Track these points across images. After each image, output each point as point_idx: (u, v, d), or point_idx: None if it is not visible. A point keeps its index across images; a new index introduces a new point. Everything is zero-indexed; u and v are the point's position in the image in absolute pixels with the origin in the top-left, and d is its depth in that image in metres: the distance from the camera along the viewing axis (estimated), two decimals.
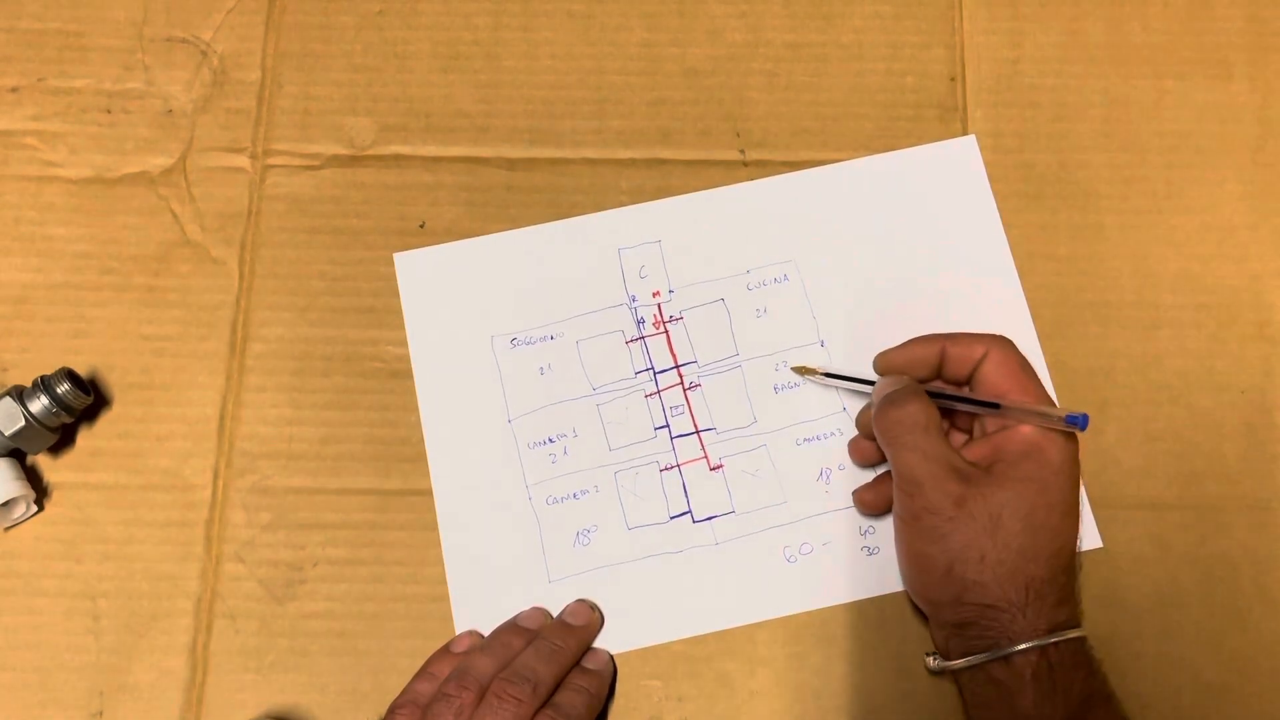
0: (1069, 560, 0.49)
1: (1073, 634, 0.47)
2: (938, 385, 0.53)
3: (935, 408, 0.50)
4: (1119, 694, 0.48)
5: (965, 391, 0.52)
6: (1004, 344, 0.51)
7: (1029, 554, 0.47)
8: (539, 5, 0.62)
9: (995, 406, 0.50)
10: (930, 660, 0.51)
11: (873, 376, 0.54)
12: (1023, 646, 0.46)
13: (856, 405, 0.56)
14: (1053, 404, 0.51)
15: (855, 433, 0.56)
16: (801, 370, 0.56)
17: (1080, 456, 0.54)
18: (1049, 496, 0.48)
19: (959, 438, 0.53)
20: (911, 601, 0.53)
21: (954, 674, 0.50)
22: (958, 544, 0.48)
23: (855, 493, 0.54)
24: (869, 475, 0.55)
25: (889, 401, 0.51)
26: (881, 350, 0.54)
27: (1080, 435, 0.55)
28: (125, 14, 0.62)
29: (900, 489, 0.50)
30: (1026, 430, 0.49)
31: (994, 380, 0.51)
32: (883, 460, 0.54)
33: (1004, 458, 0.49)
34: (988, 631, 0.47)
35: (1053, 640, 0.46)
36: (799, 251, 0.58)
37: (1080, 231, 0.58)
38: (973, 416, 0.52)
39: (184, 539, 0.55)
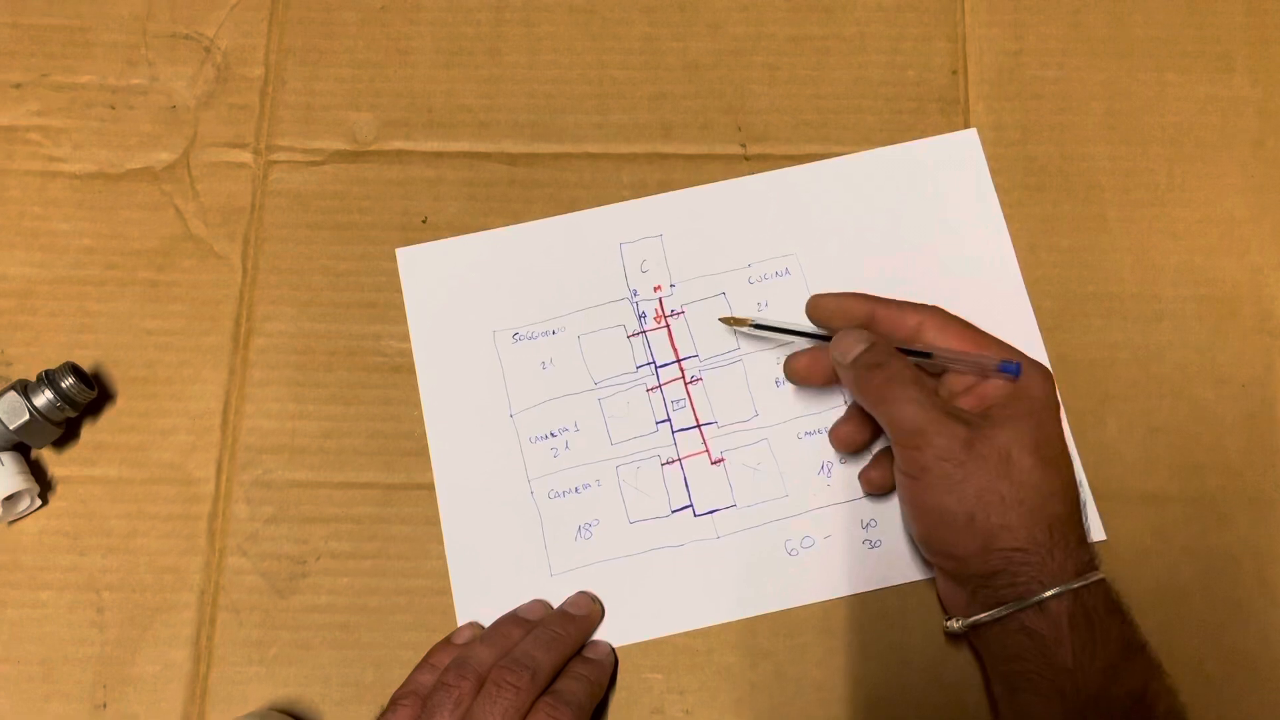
0: (1077, 494, 0.48)
1: (1096, 576, 0.46)
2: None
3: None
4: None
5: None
6: (940, 311, 0.51)
7: (1045, 490, 0.47)
8: (540, 0, 0.62)
9: (927, 356, 0.50)
10: (953, 623, 0.50)
11: (805, 327, 0.54)
12: (1056, 590, 0.45)
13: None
14: (1012, 350, 0.51)
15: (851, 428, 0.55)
16: (730, 321, 0.56)
17: (1081, 449, 0.55)
18: (1046, 430, 0.48)
19: None
20: (909, 585, 0.53)
21: (977, 634, 0.49)
22: (974, 489, 0.47)
23: (862, 474, 0.54)
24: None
25: (869, 364, 0.50)
26: (815, 294, 0.54)
27: (1082, 428, 0.55)
28: (129, 10, 0.62)
29: (903, 445, 0.49)
30: (1002, 378, 0.49)
31: (943, 345, 0.51)
32: (869, 443, 0.54)
33: (993, 402, 0.49)
34: (1018, 578, 0.46)
35: (1084, 583, 0.46)
36: (800, 245, 0.58)
37: (1082, 224, 0.58)
38: (936, 383, 0.52)
39: (187, 532, 0.55)
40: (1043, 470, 0.47)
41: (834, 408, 0.56)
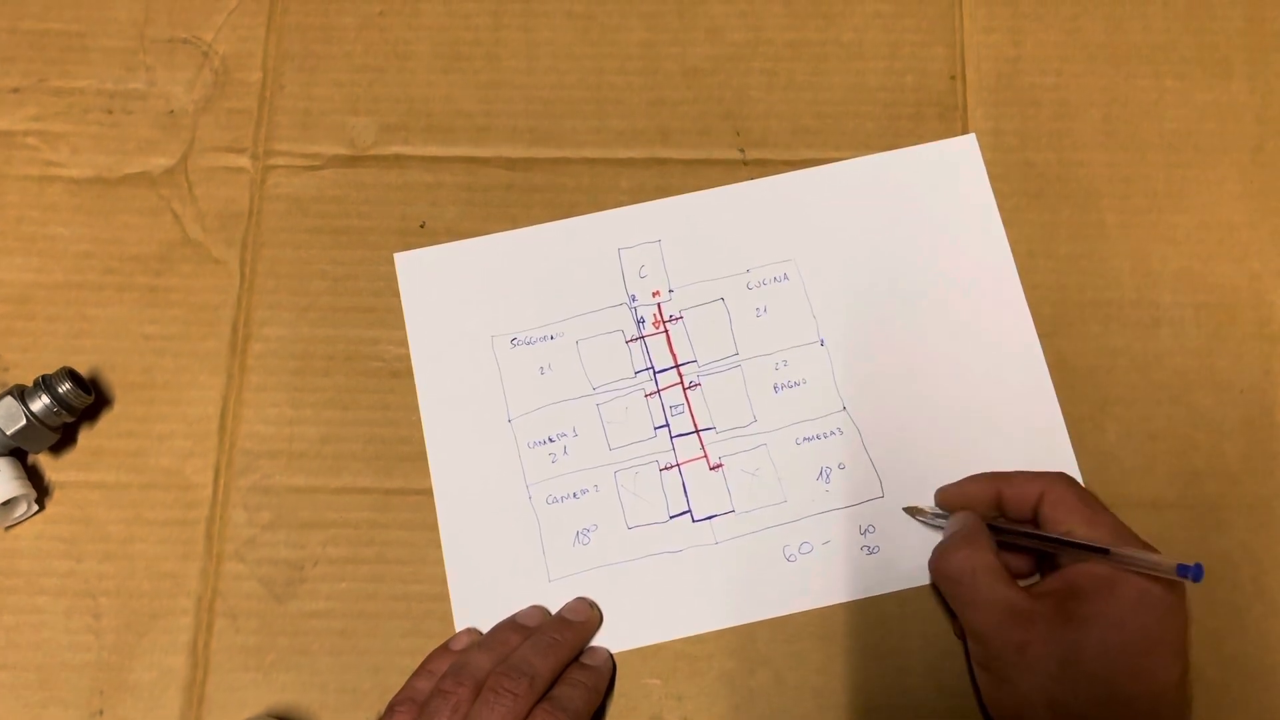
0: (1166, 697, 0.45)
1: None
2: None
3: (989, 550, 0.48)
4: None
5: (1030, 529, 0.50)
6: (1061, 481, 0.49)
7: (1112, 697, 0.44)
8: (539, 5, 0.62)
9: (1104, 552, 0.46)
10: None
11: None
12: None
13: (858, 404, 0.56)
14: (1132, 535, 0.48)
15: (857, 434, 0.56)
16: (912, 511, 0.54)
17: (1080, 456, 0.55)
18: (1127, 633, 0.44)
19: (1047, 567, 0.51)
20: (909, 591, 0.53)
21: None
22: (1025, 689, 0.45)
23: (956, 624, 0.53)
24: (873, 480, 0.55)
25: (941, 549, 0.50)
26: (941, 486, 0.53)
27: (1080, 436, 0.55)
28: (127, 14, 0.62)
29: (967, 635, 0.49)
30: (1099, 564, 0.46)
31: (1057, 519, 0.48)
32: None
33: (1077, 593, 0.46)
34: None
35: None
36: (799, 251, 0.58)
37: (1080, 230, 0.58)
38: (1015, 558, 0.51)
39: (185, 538, 0.55)
40: (1104, 682, 0.44)
41: (833, 412, 0.56)
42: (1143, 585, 0.45)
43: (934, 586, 0.53)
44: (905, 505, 0.55)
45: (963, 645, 0.52)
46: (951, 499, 0.53)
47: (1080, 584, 0.47)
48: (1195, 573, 0.43)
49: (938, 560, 0.50)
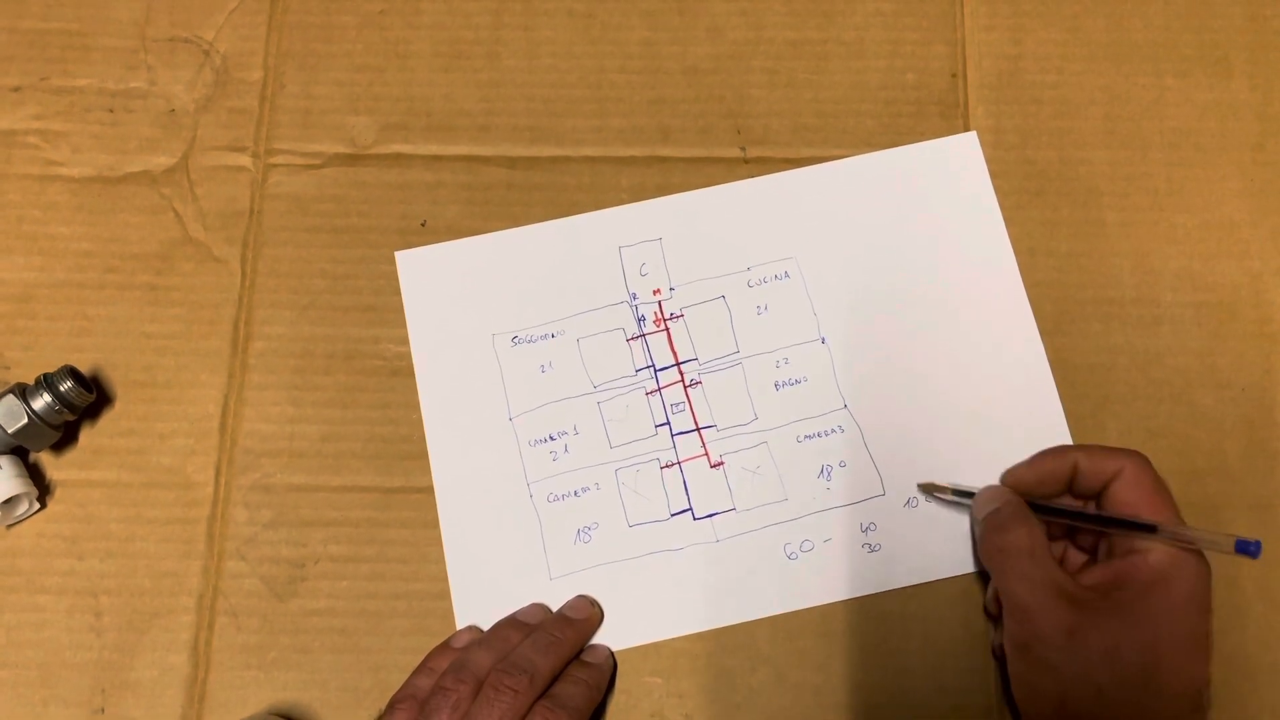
0: (1196, 699, 0.45)
1: None
2: (1068, 502, 0.51)
3: (1041, 529, 0.48)
4: None
5: (1090, 507, 0.50)
6: (1139, 461, 0.49)
7: (1151, 691, 0.44)
8: (540, 4, 0.62)
9: (1152, 529, 0.46)
10: None
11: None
12: None
13: (859, 402, 0.56)
14: (1186, 526, 0.48)
15: (858, 432, 0.55)
16: (928, 488, 0.54)
17: None
18: (1175, 630, 0.45)
19: (1079, 558, 0.51)
20: (910, 589, 0.53)
21: None
22: (1069, 675, 0.45)
23: (988, 601, 0.52)
24: (874, 478, 0.55)
25: (993, 526, 0.49)
26: (1010, 467, 0.53)
27: (1081, 434, 0.55)
28: (128, 14, 0.62)
29: (1010, 615, 0.48)
30: (1154, 558, 0.46)
31: (1125, 499, 0.48)
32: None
33: (1127, 585, 0.46)
34: None
35: None
36: (800, 248, 0.58)
37: (1081, 228, 0.58)
38: (1097, 535, 0.50)
39: (186, 536, 0.55)
40: (1153, 672, 0.44)
41: (834, 410, 0.56)
42: (1195, 584, 0.46)
43: (979, 573, 0.52)
44: (920, 482, 0.54)
45: (985, 632, 0.52)
46: (1026, 477, 0.52)
47: (1132, 577, 0.46)
48: (1255, 549, 0.44)
49: (991, 534, 0.49)
